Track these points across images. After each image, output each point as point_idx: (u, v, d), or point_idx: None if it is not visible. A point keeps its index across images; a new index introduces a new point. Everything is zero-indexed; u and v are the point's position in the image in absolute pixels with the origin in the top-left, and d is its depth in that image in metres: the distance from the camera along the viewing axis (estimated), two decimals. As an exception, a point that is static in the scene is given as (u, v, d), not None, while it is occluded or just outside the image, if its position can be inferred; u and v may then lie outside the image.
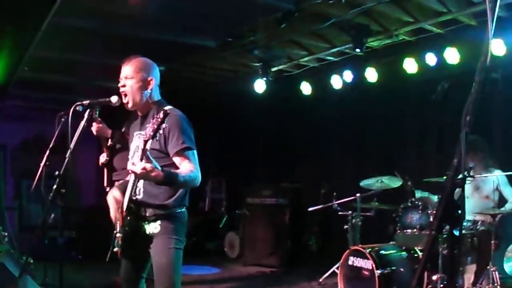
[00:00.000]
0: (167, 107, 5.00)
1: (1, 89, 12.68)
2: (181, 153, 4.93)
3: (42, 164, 5.63)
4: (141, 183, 5.00)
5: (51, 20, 8.43)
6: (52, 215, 6.08)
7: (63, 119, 5.60)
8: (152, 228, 5.06)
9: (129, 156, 5.25)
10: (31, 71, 11.42)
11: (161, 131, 4.76)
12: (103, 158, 8.39)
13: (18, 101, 14.47)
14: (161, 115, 4.57)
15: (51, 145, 5.61)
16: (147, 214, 5.05)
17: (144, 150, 4.61)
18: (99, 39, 9.94)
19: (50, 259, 8.00)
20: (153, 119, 4.70)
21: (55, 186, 5.15)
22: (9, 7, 8.08)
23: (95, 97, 5.56)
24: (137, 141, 5.14)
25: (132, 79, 5.15)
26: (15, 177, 14.68)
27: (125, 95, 5.17)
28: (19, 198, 14.70)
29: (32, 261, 7.72)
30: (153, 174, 4.61)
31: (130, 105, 5.19)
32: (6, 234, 9.90)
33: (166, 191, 5.03)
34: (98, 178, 15.38)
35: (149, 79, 5.19)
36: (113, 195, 5.22)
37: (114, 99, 5.47)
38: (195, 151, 5.03)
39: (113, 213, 5.23)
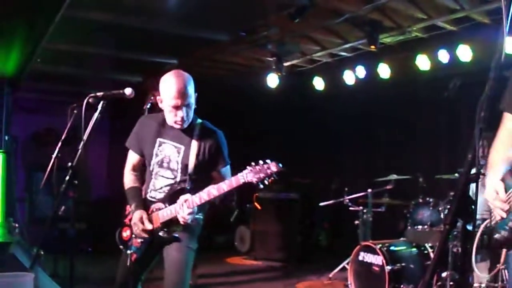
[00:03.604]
0: (205, 123, 5.44)
1: (13, 81, 12.69)
2: (223, 169, 5.23)
3: (53, 156, 5.64)
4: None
5: (64, 12, 8.44)
6: (63, 207, 6.08)
7: (75, 111, 5.60)
8: (178, 229, 5.17)
9: (155, 161, 5.37)
10: (43, 64, 11.43)
11: (206, 148, 5.21)
12: None
13: (30, 93, 14.48)
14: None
15: (63, 137, 5.61)
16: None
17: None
18: (111, 32, 9.95)
19: (61, 251, 8.02)
20: (198, 137, 5.23)
21: (67, 178, 5.16)
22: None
23: (107, 90, 5.57)
24: (168, 150, 5.30)
25: (193, 103, 5.22)
26: (26, 169, 14.71)
27: (186, 121, 5.23)
28: (30, 190, 14.74)
29: (42, 253, 7.74)
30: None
31: (185, 125, 5.25)
32: (17, 225, 9.93)
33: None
34: (108, 170, 15.42)
35: (196, 95, 5.30)
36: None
37: (127, 91, 5.46)
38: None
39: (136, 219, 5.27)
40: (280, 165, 4.68)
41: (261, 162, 4.68)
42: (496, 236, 3.86)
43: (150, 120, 5.54)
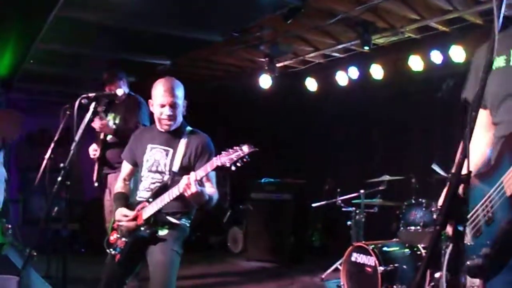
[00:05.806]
0: (194, 129, 5.53)
1: (6, 82, 12.70)
2: (208, 174, 5.10)
3: (46, 157, 5.64)
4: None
5: (57, 13, 8.43)
6: (56, 208, 6.09)
7: (68, 112, 5.61)
8: (162, 232, 5.23)
9: (146, 167, 5.46)
10: (37, 64, 11.42)
11: (193, 148, 5.31)
12: (94, 151, 8.44)
13: (23, 94, 14.48)
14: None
15: (55, 138, 5.62)
16: (166, 220, 5.24)
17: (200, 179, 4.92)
18: (104, 33, 9.93)
19: (54, 251, 8.02)
20: (186, 140, 5.34)
21: (59, 179, 5.17)
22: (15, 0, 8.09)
23: (100, 91, 5.58)
24: (157, 154, 5.42)
25: (180, 105, 5.36)
26: (19, 170, 14.68)
27: (172, 120, 5.37)
28: (23, 191, 14.72)
29: (35, 254, 7.73)
30: (202, 198, 5.01)
31: (172, 128, 5.40)
32: (9, 226, 9.92)
33: (188, 204, 5.27)
34: (101, 171, 15.39)
35: (186, 102, 5.46)
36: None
37: (119, 92, 5.48)
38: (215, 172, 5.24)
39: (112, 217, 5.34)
40: (253, 146, 4.87)
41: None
42: (469, 262, 3.23)
43: (142, 132, 5.76)
